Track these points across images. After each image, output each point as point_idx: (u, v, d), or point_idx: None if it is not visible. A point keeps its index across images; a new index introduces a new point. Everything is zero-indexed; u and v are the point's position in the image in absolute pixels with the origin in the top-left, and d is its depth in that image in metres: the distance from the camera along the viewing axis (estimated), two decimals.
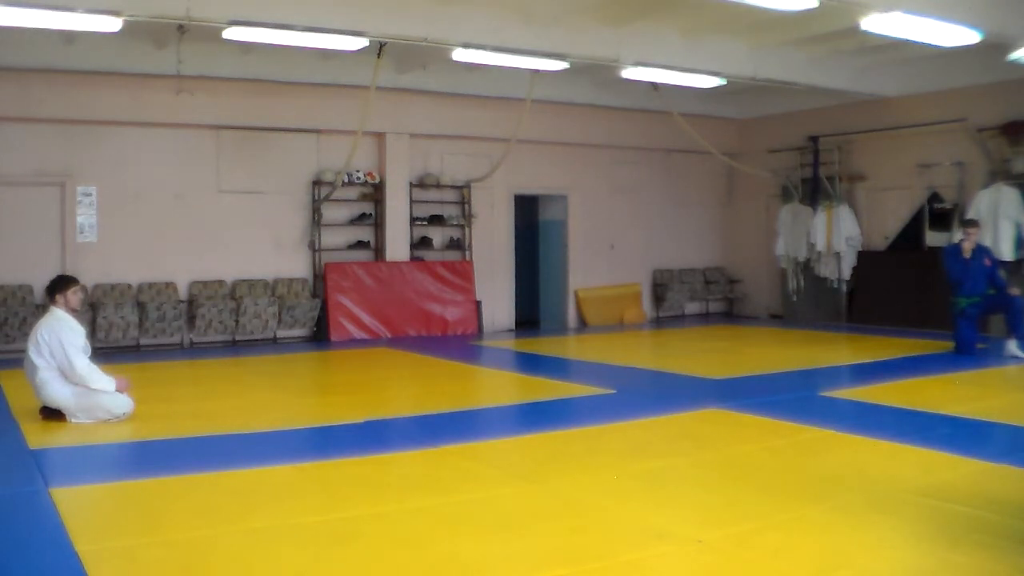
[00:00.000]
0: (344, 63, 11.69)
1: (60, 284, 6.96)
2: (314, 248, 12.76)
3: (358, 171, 12.92)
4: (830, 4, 8.47)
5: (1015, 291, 10.13)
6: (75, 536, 4.04)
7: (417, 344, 12.11)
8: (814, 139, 14.57)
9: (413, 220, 13.42)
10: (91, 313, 10.81)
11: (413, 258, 13.40)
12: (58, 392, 6.67)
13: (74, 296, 6.94)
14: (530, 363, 11.12)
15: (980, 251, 10.30)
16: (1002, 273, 10.52)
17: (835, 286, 14.39)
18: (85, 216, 11.34)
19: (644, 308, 15.57)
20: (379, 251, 13.24)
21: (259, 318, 11.89)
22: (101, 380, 6.73)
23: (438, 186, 13.62)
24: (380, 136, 13.08)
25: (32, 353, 6.73)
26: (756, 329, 14.26)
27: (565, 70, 11.39)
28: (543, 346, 12.84)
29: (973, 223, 10.58)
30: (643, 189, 15.59)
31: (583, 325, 14.83)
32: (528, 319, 15.18)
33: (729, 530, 4.19)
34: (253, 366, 10.37)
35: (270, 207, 12.46)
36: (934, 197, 13.33)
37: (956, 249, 10.40)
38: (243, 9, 8.73)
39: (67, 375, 6.67)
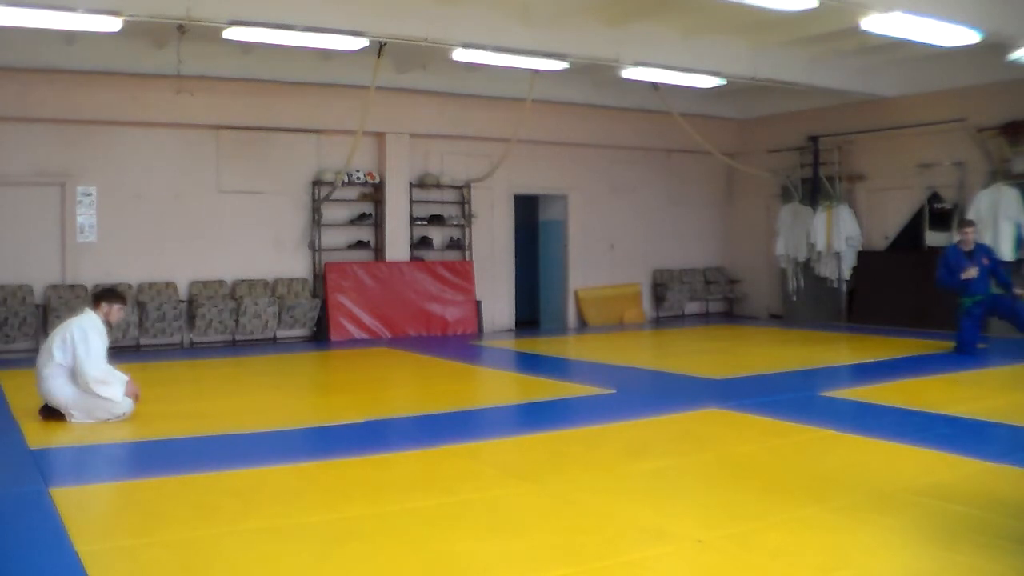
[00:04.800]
0: (344, 63, 11.70)
1: (111, 295, 7.13)
2: (314, 248, 12.76)
3: (358, 171, 12.92)
4: (830, 4, 8.48)
5: (1020, 292, 10.05)
6: (75, 536, 4.04)
7: (417, 344, 12.11)
8: (814, 139, 14.57)
9: (413, 220, 13.42)
10: None
11: (413, 258, 13.40)
12: (61, 389, 6.66)
13: (119, 312, 7.12)
14: (530, 363, 11.13)
15: (980, 250, 10.29)
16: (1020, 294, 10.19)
17: (835, 286, 14.39)
18: (85, 216, 11.34)
19: (644, 308, 15.57)
20: (379, 251, 13.24)
21: (259, 318, 11.89)
22: (111, 389, 6.70)
23: (438, 186, 13.62)
24: (380, 136, 13.08)
25: (56, 346, 6.72)
26: (756, 329, 14.25)
27: (565, 70, 11.39)
28: (543, 346, 12.84)
29: (968, 223, 10.57)
30: (643, 189, 15.59)
31: (583, 325, 14.83)
32: (528, 319, 15.18)
33: (729, 530, 4.19)
34: (253, 366, 10.37)
35: (270, 207, 12.47)
36: (934, 197, 13.33)
37: (954, 251, 10.33)
38: (243, 9, 8.73)
39: (76, 377, 6.65)
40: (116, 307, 7.07)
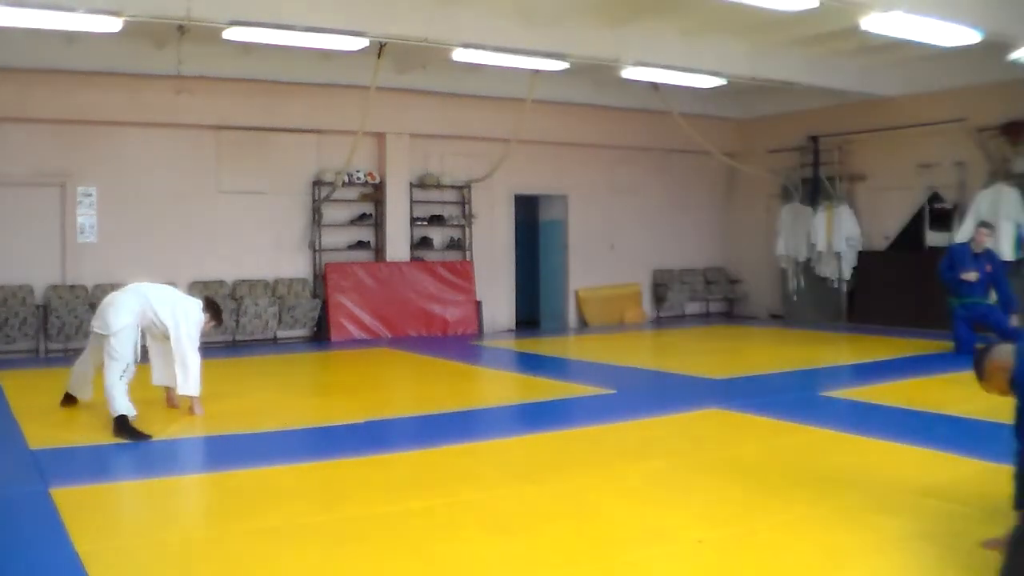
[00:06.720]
0: (344, 63, 11.69)
1: (217, 312, 7.30)
2: (314, 248, 12.76)
3: (358, 171, 12.92)
4: (830, 4, 8.47)
5: (1017, 320, 10.03)
6: (75, 536, 4.04)
7: (417, 344, 12.11)
8: (814, 139, 14.57)
9: (413, 220, 13.42)
10: (92, 313, 10.78)
11: (413, 258, 13.40)
12: (121, 316, 6.53)
13: (209, 328, 7.27)
14: (531, 363, 11.12)
15: (987, 255, 10.28)
16: (1014, 320, 10.08)
17: (835, 286, 14.39)
18: (85, 216, 11.34)
19: (644, 308, 15.57)
20: (379, 251, 13.24)
21: (259, 318, 11.89)
22: (191, 377, 6.80)
23: (438, 186, 13.62)
24: (380, 136, 13.08)
25: (163, 303, 6.78)
26: (756, 329, 14.26)
27: (565, 70, 11.38)
28: (543, 346, 12.84)
29: (987, 226, 10.63)
30: (643, 189, 15.58)
31: (583, 325, 14.83)
32: (528, 319, 15.17)
33: (729, 530, 4.19)
34: (253, 366, 10.37)
35: (270, 207, 12.46)
36: (934, 197, 13.33)
37: (962, 249, 10.34)
38: (243, 9, 8.72)
39: (176, 344, 6.74)
40: (212, 324, 7.25)
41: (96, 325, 6.68)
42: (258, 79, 11.84)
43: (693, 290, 15.91)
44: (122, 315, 6.53)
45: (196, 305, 7.07)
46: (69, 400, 7.15)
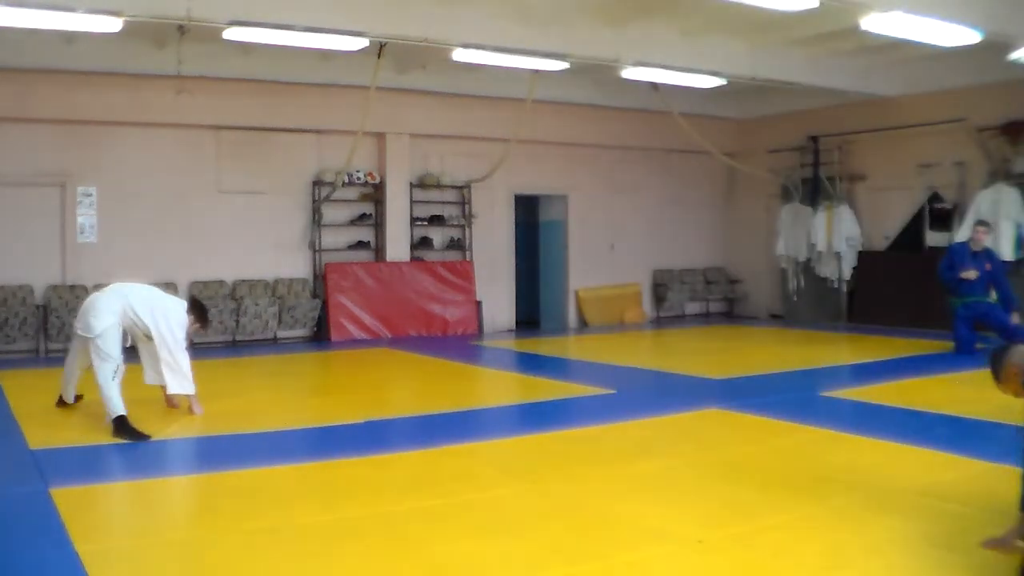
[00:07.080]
0: (344, 63, 11.69)
1: (203, 315, 7.22)
2: (314, 248, 12.76)
3: (358, 171, 12.92)
4: (830, 4, 8.47)
5: (1018, 317, 10.06)
6: (75, 536, 4.04)
7: (417, 344, 12.11)
8: (814, 139, 14.56)
9: (413, 220, 13.42)
10: None
11: (413, 258, 13.40)
12: (103, 318, 6.52)
13: (195, 330, 7.17)
14: (530, 363, 11.12)
15: (985, 254, 10.29)
16: (1015, 318, 10.09)
17: (835, 286, 14.39)
18: (85, 216, 11.34)
19: (644, 308, 15.57)
20: (379, 251, 13.24)
21: (259, 318, 11.89)
22: (178, 377, 6.77)
23: (438, 186, 13.62)
24: (380, 136, 13.08)
25: (141, 301, 6.71)
26: (756, 329, 14.25)
27: (565, 70, 11.39)
28: (543, 346, 12.84)
29: (984, 224, 10.65)
30: (643, 189, 15.58)
31: (583, 325, 14.83)
32: (528, 319, 15.17)
33: (729, 530, 4.19)
34: (253, 366, 10.37)
35: (270, 207, 12.46)
36: (934, 197, 13.33)
37: (961, 249, 10.36)
38: (243, 9, 8.72)
39: (160, 344, 6.69)
40: (197, 326, 7.17)
41: (79, 328, 6.67)
42: (258, 79, 11.84)
43: (693, 290, 15.91)
44: (103, 317, 6.52)
45: (179, 305, 7.02)
46: (63, 402, 7.15)
